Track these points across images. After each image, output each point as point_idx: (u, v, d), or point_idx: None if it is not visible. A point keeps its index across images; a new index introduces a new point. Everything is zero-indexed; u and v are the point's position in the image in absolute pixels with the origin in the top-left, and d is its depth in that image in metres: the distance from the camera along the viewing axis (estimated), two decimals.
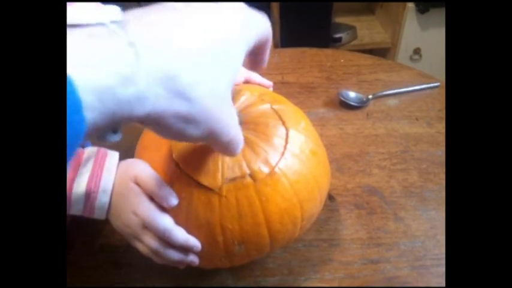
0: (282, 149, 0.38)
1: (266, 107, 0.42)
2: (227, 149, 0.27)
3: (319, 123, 0.66)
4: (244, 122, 0.40)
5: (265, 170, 0.36)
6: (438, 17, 1.40)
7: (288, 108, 0.44)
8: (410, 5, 1.37)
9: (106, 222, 0.39)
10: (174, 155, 0.36)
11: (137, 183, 0.36)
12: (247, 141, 0.37)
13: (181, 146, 0.37)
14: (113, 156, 0.39)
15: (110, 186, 0.37)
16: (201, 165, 0.36)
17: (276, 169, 0.37)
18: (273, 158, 0.37)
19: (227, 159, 0.36)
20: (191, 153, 0.37)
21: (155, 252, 0.37)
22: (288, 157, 0.38)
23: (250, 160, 0.37)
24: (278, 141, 0.38)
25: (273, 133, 0.39)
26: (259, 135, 0.39)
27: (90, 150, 0.39)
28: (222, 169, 0.36)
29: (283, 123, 0.40)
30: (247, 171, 0.36)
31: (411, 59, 1.50)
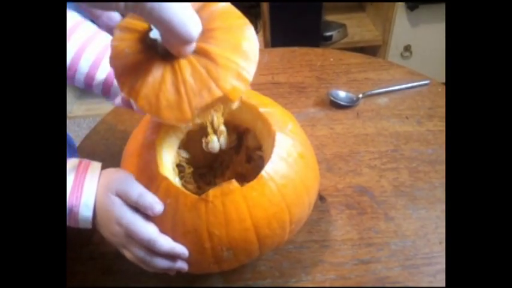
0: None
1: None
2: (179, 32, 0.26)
3: (309, 123, 0.66)
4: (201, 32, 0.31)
5: (242, 86, 0.30)
6: (428, 13, 1.40)
7: (274, 110, 0.43)
8: (400, 2, 1.37)
9: (95, 229, 0.39)
10: (136, 104, 0.31)
11: (119, 196, 0.36)
12: (209, 55, 0.30)
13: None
14: (95, 168, 0.38)
15: (91, 201, 0.36)
16: (162, 101, 0.30)
17: (263, 173, 0.36)
18: (250, 70, 0.31)
19: (190, 84, 0.30)
20: (151, 94, 0.31)
21: (142, 261, 0.36)
22: (276, 161, 0.38)
23: (219, 77, 0.30)
24: (249, 46, 0.31)
25: (240, 37, 0.31)
26: (222, 44, 0.31)
27: (72, 162, 0.38)
28: (187, 98, 0.30)
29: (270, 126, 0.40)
30: (219, 93, 0.30)
31: (402, 56, 1.50)
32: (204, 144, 0.39)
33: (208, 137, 0.38)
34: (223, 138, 0.39)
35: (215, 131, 0.38)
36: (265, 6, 1.33)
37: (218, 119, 0.37)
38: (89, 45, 0.47)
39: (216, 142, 0.39)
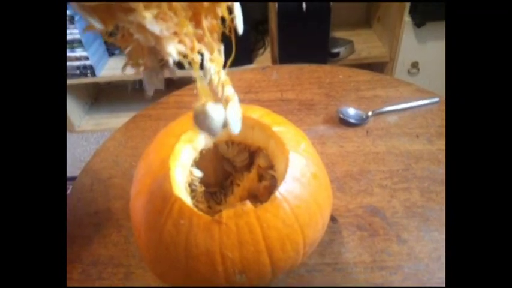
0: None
1: None
2: None
3: (319, 141, 0.65)
4: None
5: None
6: (435, 30, 1.41)
7: (287, 129, 0.43)
8: (407, 18, 1.38)
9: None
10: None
11: None
12: None
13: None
14: None
15: None
16: None
17: (277, 194, 0.36)
18: None
19: None
20: None
21: None
22: (289, 181, 0.37)
23: None
24: None
25: None
26: None
27: None
28: None
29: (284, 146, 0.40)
30: None
31: (409, 72, 1.50)
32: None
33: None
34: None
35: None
36: (273, 23, 1.34)
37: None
38: None
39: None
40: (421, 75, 1.51)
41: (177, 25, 0.26)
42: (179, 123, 0.44)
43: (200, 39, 0.28)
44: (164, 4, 0.25)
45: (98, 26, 0.24)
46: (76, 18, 1.37)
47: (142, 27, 0.24)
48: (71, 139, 1.64)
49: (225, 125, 0.28)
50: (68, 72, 1.49)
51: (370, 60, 1.47)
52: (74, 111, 1.66)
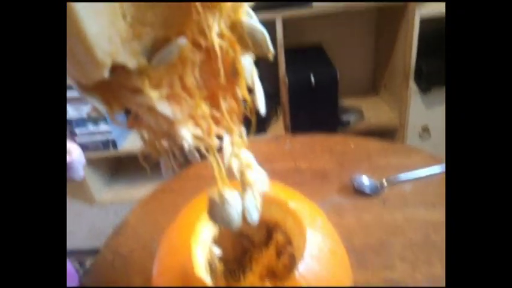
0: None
1: None
2: None
3: (335, 212, 0.66)
4: None
5: None
6: (441, 95, 1.46)
7: (303, 205, 0.45)
8: (413, 85, 1.44)
9: None
10: None
11: None
12: None
13: None
14: None
15: None
16: None
17: (296, 273, 0.36)
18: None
19: None
20: None
21: None
22: (307, 259, 0.38)
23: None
24: None
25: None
26: None
27: None
28: None
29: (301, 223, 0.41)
30: None
31: (420, 136, 1.53)
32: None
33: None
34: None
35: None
36: (284, 95, 1.42)
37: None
38: None
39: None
40: (433, 139, 1.53)
41: (191, 107, 0.24)
42: (200, 201, 0.46)
43: (218, 122, 0.27)
44: (177, 84, 0.23)
45: (100, 108, 0.23)
46: None
47: (152, 110, 0.23)
48: (90, 211, 1.68)
49: (243, 214, 0.28)
50: (90, 146, 1.57)
51: (380, 127, 1.51)
52: (95, 183, 1.72)
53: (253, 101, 0.28)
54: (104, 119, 1.52)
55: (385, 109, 1.59)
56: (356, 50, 1.68)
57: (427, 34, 1.34)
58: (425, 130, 1.51)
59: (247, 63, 0.26)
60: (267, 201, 0.47)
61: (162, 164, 0.30)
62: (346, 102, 1.60)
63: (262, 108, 0.28)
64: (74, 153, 0.69)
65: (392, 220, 0.63)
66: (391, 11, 1.41)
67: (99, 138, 1.55)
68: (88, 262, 1.41)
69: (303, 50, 1.56)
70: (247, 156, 0.30)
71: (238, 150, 0.29)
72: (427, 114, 1.49)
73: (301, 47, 1.57)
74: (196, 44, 0.23)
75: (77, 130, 1.54)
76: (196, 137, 0.25)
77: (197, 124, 0.25)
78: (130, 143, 1.62)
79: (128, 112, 0.25)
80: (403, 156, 0.79)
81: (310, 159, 0.82)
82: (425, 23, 1.29)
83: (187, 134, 0.24)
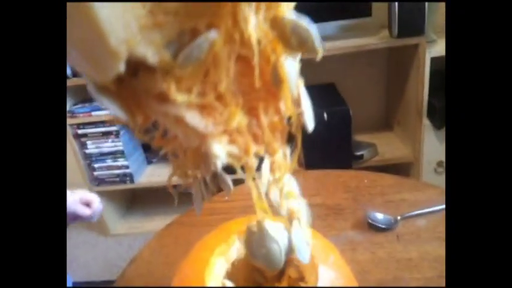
0: None
1: None
2: None
3: (349, 247, 0.65)
4: None
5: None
6: None
7: (316, 241, 0.45)
8: (426, 122, 1.45)
9: None
10: None
11: None
12: None
13: None
14: None
15: None
16: None
17: None
18: None
19: None
20: None
21: None
22: None
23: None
24: None
25: None
26: None
27: None
28: None
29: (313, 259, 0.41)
30: None
31: (436, 171, 1.51)
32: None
33: None
34: None
35: None
36: (297, 132, 1.44)
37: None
38: None
39: None
40: None
41: (226, 119, 0.20)
42: (213, 237, 0.47)
43: (257, 139, 0.23)
44: (208, 89, 0.19)
45: (121, 115, 0.19)
46: (121, 132, 1.53)
47: (180, 121, 0.19)
48: (104, 243, 1.68)
49: (289, 252, 0.23)
50: (108, 180, 1.61)
51: (394, 162, 1.51)
52: (111, 216, 1.74)
53: (299, 116, 0.24)
54: (123, 154, 1.56)
55: (399, 145, 1.59)
56: (369, 88, 1.71)
57: (439, 71, 1.37)
58: (440, 165, 1.49)
59: (291, 68, 0.22)
60: None
61: (194, 198, 0.28)
62: (360, 138, 1.61)
63: (310, 125, 0.25)
64: (94, 204, 0.73)
65: (406, 256, 0.62)
66: (402, 49, 1.45)
67: (116, 171, 1.59)
68: None
69: (316, 88, 1.60)
70: (291, 183, 0.25)
71: (281, 174, 0.26)
72: (441, 150, 1.48)
73: (314, 85, 1.61)
74: (231, 42, 0.19)
75: (96, 165, 1.59)
76: (231, 155, 0.21)
77: (233, 141, 0.21)
78: (147, 177, 1.65)
79: (155, 127, 0.22)
80: (417, 191, 0.79)
81: (324, 194, 0.83)
82: (436, 60, 1.32)
83: (220, 150, 0.20)
